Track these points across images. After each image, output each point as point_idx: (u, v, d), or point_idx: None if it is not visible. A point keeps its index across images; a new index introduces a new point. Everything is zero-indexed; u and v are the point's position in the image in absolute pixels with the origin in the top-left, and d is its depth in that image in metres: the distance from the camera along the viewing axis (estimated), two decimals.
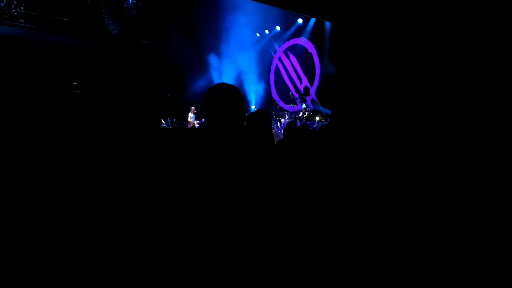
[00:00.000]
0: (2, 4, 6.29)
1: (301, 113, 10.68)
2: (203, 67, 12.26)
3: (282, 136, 3.48)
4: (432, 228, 2.47)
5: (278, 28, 12.18)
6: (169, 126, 10.10)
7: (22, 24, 6.55)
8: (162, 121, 9.57)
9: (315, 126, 9.82)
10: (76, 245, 1.84)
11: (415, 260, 2.20)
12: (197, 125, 9.79)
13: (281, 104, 12.70)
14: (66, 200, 2.13)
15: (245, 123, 1.52)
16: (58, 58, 6.80)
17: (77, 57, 7.05)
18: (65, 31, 6.91)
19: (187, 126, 10.01)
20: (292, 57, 12.19)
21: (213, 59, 12.38)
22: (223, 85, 1.43)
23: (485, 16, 5.10)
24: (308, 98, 11.39)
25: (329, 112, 10.68)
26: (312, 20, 10.86)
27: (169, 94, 10.12)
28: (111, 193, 2.13)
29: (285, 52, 12.43)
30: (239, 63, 12.65)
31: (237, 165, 1.35)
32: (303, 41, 11.59)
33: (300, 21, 11.32)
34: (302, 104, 11.08)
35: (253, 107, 12.71)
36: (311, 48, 11.33)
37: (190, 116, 9.94)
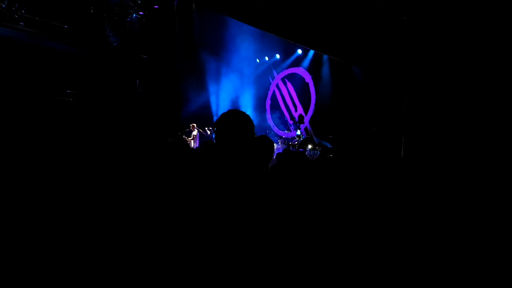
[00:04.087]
0: (4, 6, 6.25)
1: (295, 140, 10.67)
2: (201, 86, 12.32)
3: (274, 161, 3.41)
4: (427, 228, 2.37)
5: (278, 56, 12.42)
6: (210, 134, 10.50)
7: (21, 27, 6.50)
8: (207, 130, 10.05)
9: (307, 154, 9.78)
10: (73, 246, 1.78)
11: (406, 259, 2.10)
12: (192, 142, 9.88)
13: (275, 129, 12.72)
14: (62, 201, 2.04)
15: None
16: (55, 64, 6.72)
17: (74, 65, 6.98)
18: (65, 38, 6.87)
19: (186, 142, 9.97)
20: (289, 85, 12.35)
21: (211, 79, 12.47)
22: (236, 112, 1.55)
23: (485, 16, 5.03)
24: (302, 126, 11.45)
25: (321, 141, 10.71)
26: (311, 51, 11.14)
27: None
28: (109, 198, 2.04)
29: (283, 79, 12.61)
30: (237, 85, 12.77)
31: (236, 183, 1.43)
32: (301, 70, 11.80)
33: (299, 51, 11.59)
34: (296, 131, 11.10)
35: None
36: (308, 78, 11.52)
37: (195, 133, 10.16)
